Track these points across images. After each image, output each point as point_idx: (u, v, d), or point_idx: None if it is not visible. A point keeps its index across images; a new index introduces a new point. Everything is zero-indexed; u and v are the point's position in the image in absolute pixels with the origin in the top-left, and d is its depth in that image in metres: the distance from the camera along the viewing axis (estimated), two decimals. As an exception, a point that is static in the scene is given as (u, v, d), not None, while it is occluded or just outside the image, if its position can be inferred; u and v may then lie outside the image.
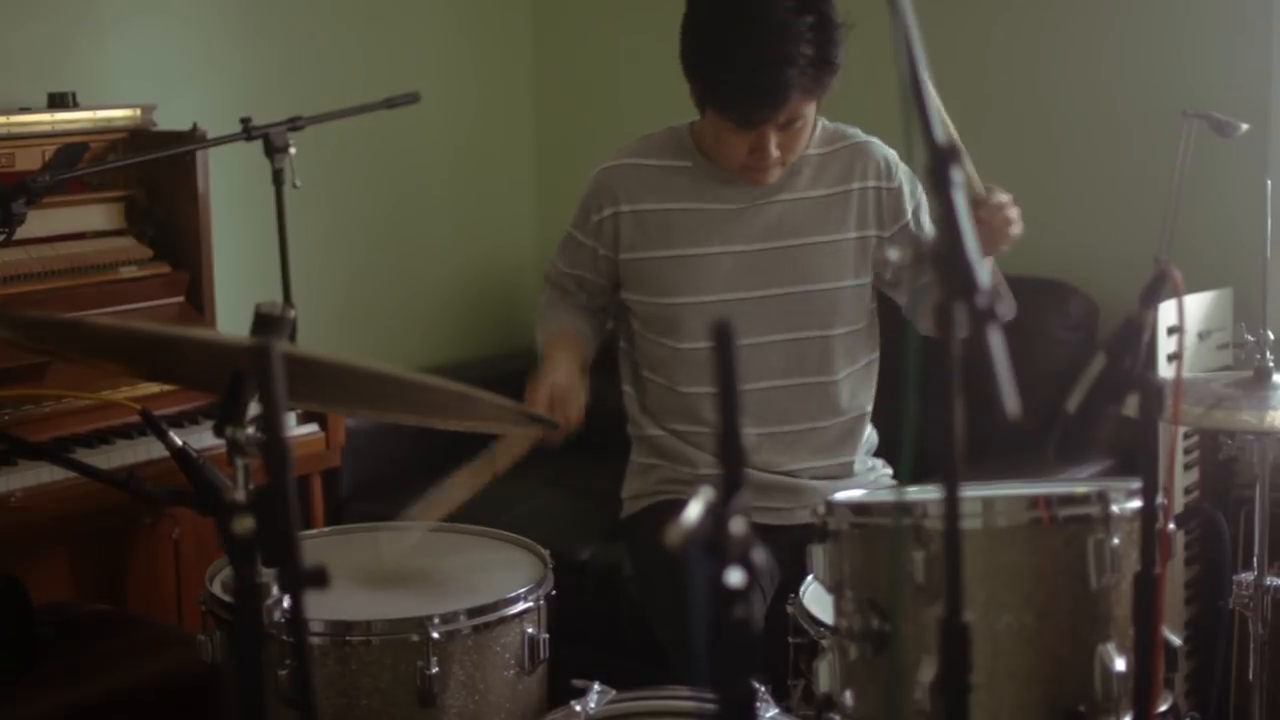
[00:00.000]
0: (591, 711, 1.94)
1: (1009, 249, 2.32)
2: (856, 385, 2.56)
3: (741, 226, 2.49)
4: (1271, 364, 2.46)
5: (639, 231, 2.52)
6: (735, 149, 2.41)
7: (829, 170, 2.50)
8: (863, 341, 2.56)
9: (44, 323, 1.84)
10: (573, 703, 1.97)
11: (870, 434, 2.63)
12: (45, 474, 2.64)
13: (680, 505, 1.18)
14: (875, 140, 2.55)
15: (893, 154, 2.54)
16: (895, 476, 2.63)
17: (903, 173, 2.52)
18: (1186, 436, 3.02)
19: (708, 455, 2.53)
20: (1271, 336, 2.48)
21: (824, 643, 1.87)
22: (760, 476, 2.49)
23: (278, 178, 2.89)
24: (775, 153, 2.39)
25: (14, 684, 2.39)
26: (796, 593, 2.06)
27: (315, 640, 2.04)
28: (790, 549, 2.27)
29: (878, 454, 2.66)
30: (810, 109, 2.39)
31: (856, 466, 2.59)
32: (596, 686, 1.98)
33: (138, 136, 3.09)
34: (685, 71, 2.41)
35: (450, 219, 4.21)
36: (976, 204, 2.26)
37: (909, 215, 2.52)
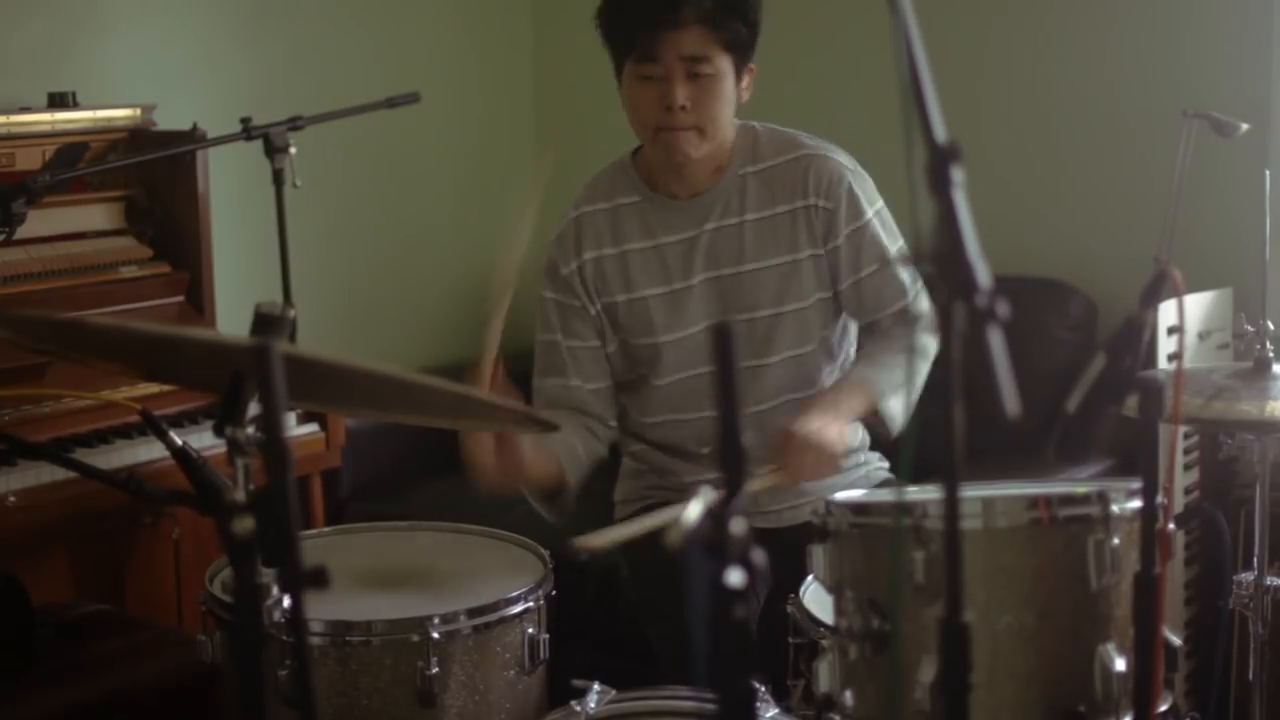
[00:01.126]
0: (591, 711, 1.94)
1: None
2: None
3: (696, 257, 2.46)
4: (1271, 354, 2.45)
5: (600, 277, 2.49)
6: (647, 105, 2.37)
7: (776, 186, 2.45)
8: (837, 344, 2.53)
9: (44, 322, 1.83)
10: (573, 703, 1.97)
11: (856, 432, 2.60)
12: (45, 474, 2.64)
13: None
14: (827, 153, 2.47)
15: (840, 171, 2.45)
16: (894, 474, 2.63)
17: (845, 192, 2.43)
18: (1186, 436, 3.02)
19: (690, 465, 2.52)
20: (1271, 327, 2.48)
21: (824, 643, 1.87)
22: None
23: (278, 178, 2.89)
24: (683, 102, 2.34)
25: (14, 684, 2.39)
26: (795, 593, 2.06)
27: (315, 640, 2.04)
28: (783, 551, 2.27)
29: (873, 448, 2.65)
30: (720, 62, 2.34)
31: (845, 464, 2.57)
32: (596, 686, 1.98)
33: (138, 136, 3.10)
34: (602, 35, 2.42)
35: (450, 219, 4.21)
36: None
37: (840, 240, 2.43)
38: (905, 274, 2.45)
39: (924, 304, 2.46)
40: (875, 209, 2.46)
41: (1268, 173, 2.81)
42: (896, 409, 2.39)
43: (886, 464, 2.64)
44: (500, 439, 2.23)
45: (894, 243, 2.46)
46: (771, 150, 2.47)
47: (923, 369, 2.36)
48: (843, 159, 2.47)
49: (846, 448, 2.31)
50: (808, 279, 2.46)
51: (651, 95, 2.37)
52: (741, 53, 2.37)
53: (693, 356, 2.48)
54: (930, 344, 2.39)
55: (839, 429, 2.26)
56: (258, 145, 2.87)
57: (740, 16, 2.34)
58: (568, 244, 2.52)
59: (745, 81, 2.42)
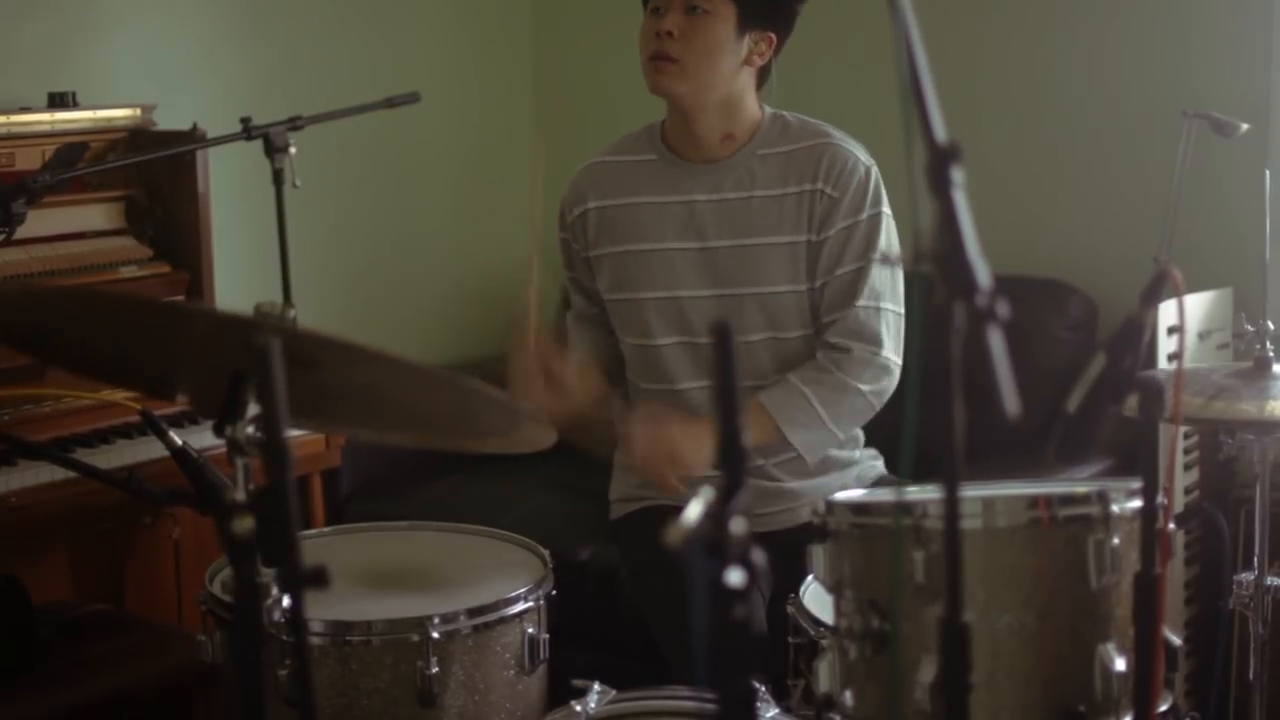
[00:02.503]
0: (591, 711, 1.94)
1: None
2: None
3: (698, 223, 2.49)
4: (1271, 354, 2.45)
5: (602, 226, 2.55)
6: (646, 36, 2.44)
7: (792, 168, 2.47)
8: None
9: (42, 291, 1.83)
10: (573, 703, 1.97)
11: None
12: (45, 474, 2.64)
13: (666, 511, 1.18)
14: (846, 145, 2.48)
15: (856, 164, 2.45)
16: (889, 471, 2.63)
17: (853, 190, 2.44)
18: (1186, 436, 3.02)
19: None
20: (1271, 326, 2.48)
21: (824, 643, 1.87)
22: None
23: (278, 178, 2.89)
24: (671, 29, 2.38)
25: (14, 684, 2.39)
26: (795, 593, 2.06)
27: (315, 640, 2.04)
28: (781, 553, 2.27)
29: (867, 445, 2.64)
30: (722, 6, 2.39)
31: (842, 461, 2.58)
32: (596, 686, 1.98)
33: (138, 136, 3.09)
34: None
35: (450, 219, 4.21)
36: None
37: (832, 231, 2.44)
38: (873, 287, 2.44)
39: (880, 331, 2.43)
40: (873, 212, 2.45)
41: (1268, 173, 2.81)
42: (808, 441, 2.43)
43: (880, 460, 2.64)
44: (547, 374, 2.35)
45: (873, 253, 2.45)
46: (796, 136, 2.50)
47: (856, 409, 2.42)
48: (862, 155, 2.49)
49: (700, 467, 2.31)
50: (799, 264, 2.46)
51: (651, 24, 2.44)
52: (746, 4, 2.41)
53: (679, 322, 2.49)
54: (872, 387, 2.41)
55: (705, 448, 2.07)
56: (258, 145, 2.87)
57: None
58: (575, 190, 2.60)
59: (754, 45, 2.45)
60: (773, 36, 2.46)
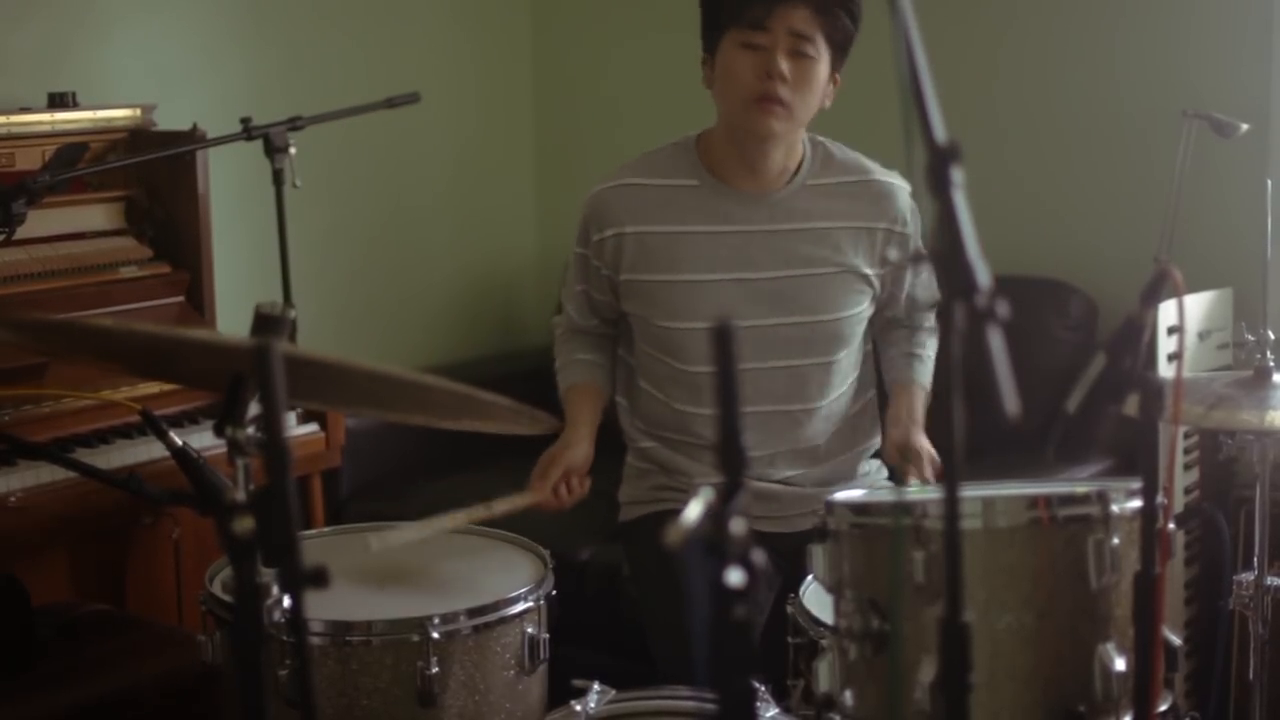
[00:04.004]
0: (591, 711, 1.94)
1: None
2: (853, 399, 2.57)
3: (751, 253, 2.47)
4: (1272, 363, 2.46)
5: (641, 254, 2.48)
6: (745, 75, 2.38)
7: (848, 202, 2.49)
8: (855, 359, 2.57)
9: (44, 323, 1.83)
10: (573, 703, 1.97)
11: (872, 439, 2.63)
12: (45, 474, 2.64)
13: (677, 516, 1.18)
14: (897, 181, 2.53)
15: (912, 202, 2.54)
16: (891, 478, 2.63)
17: (916, 221, 2.54)
18: (1186, 436, 3.02)
19: (700, 465, 2.53)
20: (1272, 336, 2.48)
21: (824, 643, 1.87)
22: (759, 485, 2.48)
23: (278, 178, 2.89)
24: (785, 73, 2.35)
25: (14, 684, 2.39)
26: (795, 593, 2.06)
27: (315, 640, 2.04)
28: (790, 555, 2.27)
29: (875, 455, 2.66)
30: (821, 47, 2.38)
31: (859, 471, 2.59)
32: (596, 686, 1.98)
33: (138, 136, 3.09)
34: (704, 5, 2.45)
35: (450, 219, 4.21)
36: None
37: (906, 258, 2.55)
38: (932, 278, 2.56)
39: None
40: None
41: (1269, 182, 2.81)
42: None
43: (886, 472, 2.64)
44: (570, 475, 2.45)
45: None
46: (843, 168, 2.52)
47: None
48: (908, 186, 2.54)
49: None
50: (853, 291, 2.50)
51: (754, 62, 2.38)
52: (838, 50, 2.41)
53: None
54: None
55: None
56: (258, 145, 2.87)
57: (847, 11, 2.39)
58: (605, 210, 2.50)
59: (832, 86, 2.45)
60: (839, 77, 2.46)
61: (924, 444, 2.42)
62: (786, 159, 2.48)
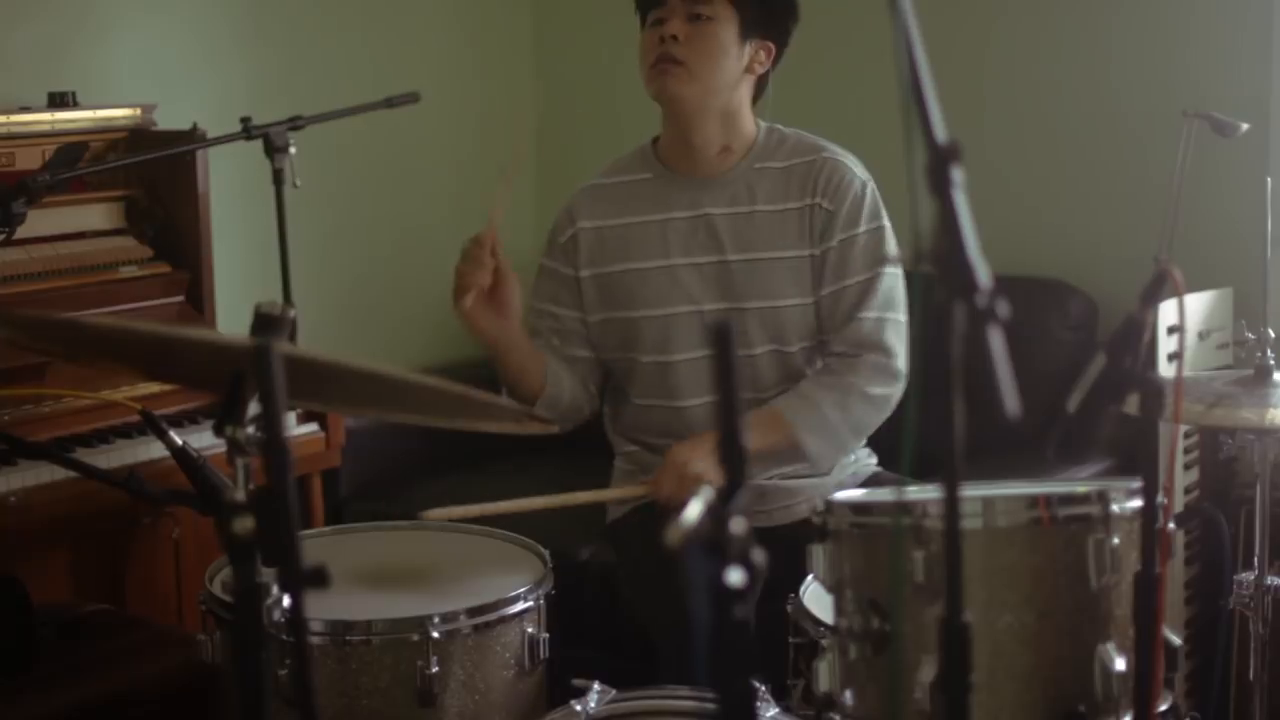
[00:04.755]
0: (591, 711, 1.94)
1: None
2: None
3: (700, 239, 2.49)
4: (1272, 362, 2.45)
5: (598, 246, 2.54)
6: (648, 46, 2.44)
7: (791, 184, 2.49)
8: (814, 357, 2.53)
9: (44, 322, 1.83)
10: (573, 703, 1.97)
11: None
12: (45, 474, 2.64)
13: (664, 511, 1.18)
14: (844, 160, 2.50)
15: (851, 178, 2.47)
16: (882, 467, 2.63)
17: (849, 203, 2.46)
18: (1186, 436, 3.02)
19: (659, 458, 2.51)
20: (1272, 334, 2.48)
21: (824, 643, 1.87)
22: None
23: (278, 178, 2.88)
24: (675, 33, 2.39)
25: (14, 684, 2.39)
26: (795, 592, 2.06)
27: (315, 640, 2.04)
28: (779, 549, 2.26)
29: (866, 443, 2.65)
30: (723, 9, 2.40)
31: (842, 462, 2.58)
32: (596, 686, 1.98)
33: (138, 136, 3.09)
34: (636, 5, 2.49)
35: (449, 219, 4.19)
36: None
37: (832, 243, 2.46)
38: (881, 297, 2.45)
39: (889, 340, 2.45)
40: (873, 225, 2.47)
41: (1269, 180, 2.81)
42: (820, 449, 2.43)
43: (875, 459, 2.64)
44: (497, 280, 2.38)
45: (879, 265, 2.46)
46: (793, 151, 2.52)
47: (867, 414, 2.42)
48: (858, 170, 2.50)
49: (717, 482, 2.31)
50: (804, 278, 2.48)
51: (653, 37, 2.44)
52: (750, 14, 2.42)
53: (684, 337, 2.49)
54: (883, 392, 2.43)
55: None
56: (258, 145, 2.87)
57: None
58: (568, 213, 2.59)
59: (755, 53, 2.46)
60: (772, 46, 2.49)
61: (695, 464, 2.28)
62: (726, 137, 2.50)
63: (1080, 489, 1.72)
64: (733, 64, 2.44)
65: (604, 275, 2.54)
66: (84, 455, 2.70)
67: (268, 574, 1.41)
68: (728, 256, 2.48)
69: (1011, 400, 1.22)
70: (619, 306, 2.53)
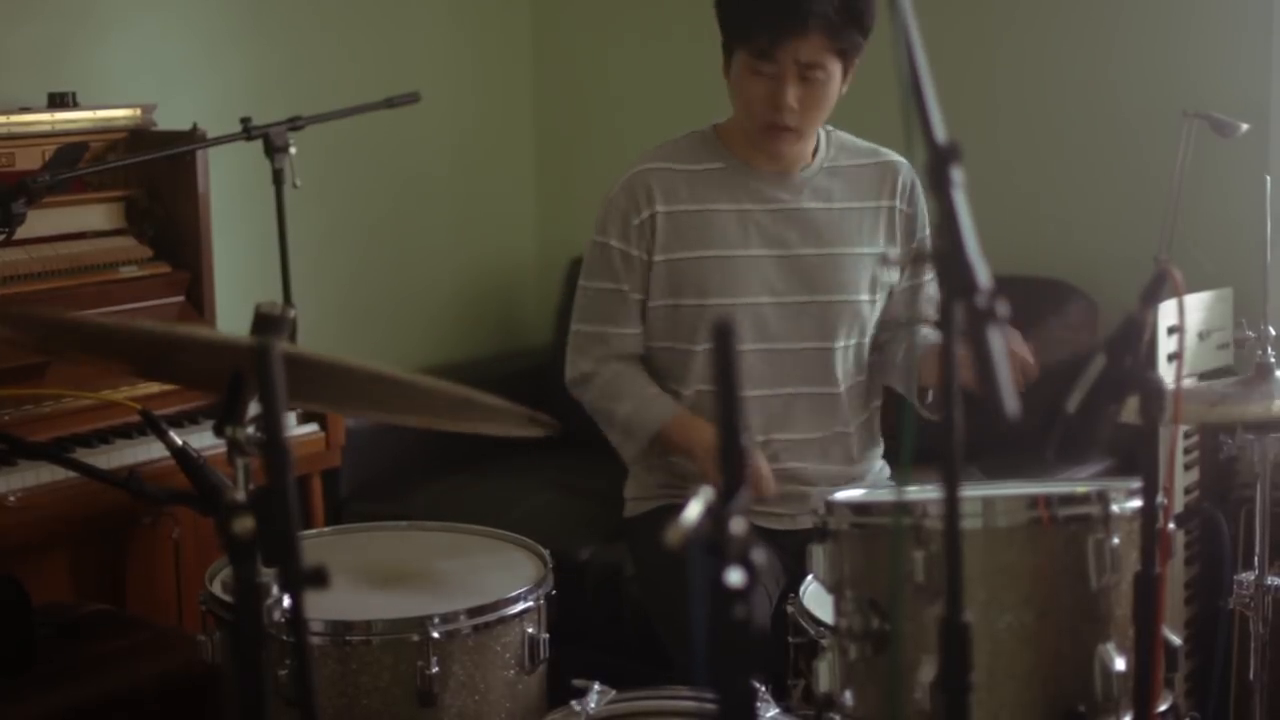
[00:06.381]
0: (591, 711, 1.94)
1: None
2: (867, 391, 2.58)
3: (780, 230, 2.50)
4: (1273, 360, 2.45)
5: (674, 233, 2.49)
6: (754, 102, 2.41)
7: (863, 183, 2.53)
8: (866, 353, 2.59)
9: (44, 322, 1.83)
10: (573, 703, 1.97)
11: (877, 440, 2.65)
12: (45, 474, 2.64)
13: (681, 509, 1.18)
14: (900, 159, 2.56)
15: (918, 182, 2.55)
16: (892, 477, 2.63)
17: (921, 206, 2.55)
18: (1187, 436, 3.02)
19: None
20: (1273, 332, 2.48)
21: (824, 643, 1.87)
22: (791, 485, 2.49)
23: (278, 178, 2.89)
24: (793, 104, 2.38)
25: (14, 684, 2.39)
26: (795, 593, 2.06)
27: (315, 640, 2.04)
28: (795, 553, 2.27)
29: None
30: (833, 67, 2.38)
31: (867, 468, 2.60)
32: (596, 686, 1.98)
33: (138, 136, 3.09)
34: (718, 17, 2.44)
35: (450, 219, 4.21)
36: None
37: (914, 244, 2.56)
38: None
39: None
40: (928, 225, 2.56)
41: (1269, 179, 2.81)
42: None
43: (888, 471, 2.65)
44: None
45: None
46: (855, 151, 2.56)
47: None
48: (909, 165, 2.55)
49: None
50: (870, 275, 2.52)
51: (763, 91, 2.40)
52: (850, 60, 2.42)
53: (753, 329, 2.49)
54: None
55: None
56: (258, 145, 2.87)
57: (859, 26, 2.38)
58: (639, 195, 2.50)
59: (848, 79, 2.47)
60: (854, 63, 2.47)
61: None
62: (805, 146, 2.53)
63: (1080, 489, 1.72)
64: (834, 103, 2.46)
65: (678, 261, 2.49)
66: (84, 455, 2.70)
67: (268, 574, 1.41)
68: (809, 250, 2.50)
69: (1011, 400, 1.22)
70: (690, 294, 2.49)
